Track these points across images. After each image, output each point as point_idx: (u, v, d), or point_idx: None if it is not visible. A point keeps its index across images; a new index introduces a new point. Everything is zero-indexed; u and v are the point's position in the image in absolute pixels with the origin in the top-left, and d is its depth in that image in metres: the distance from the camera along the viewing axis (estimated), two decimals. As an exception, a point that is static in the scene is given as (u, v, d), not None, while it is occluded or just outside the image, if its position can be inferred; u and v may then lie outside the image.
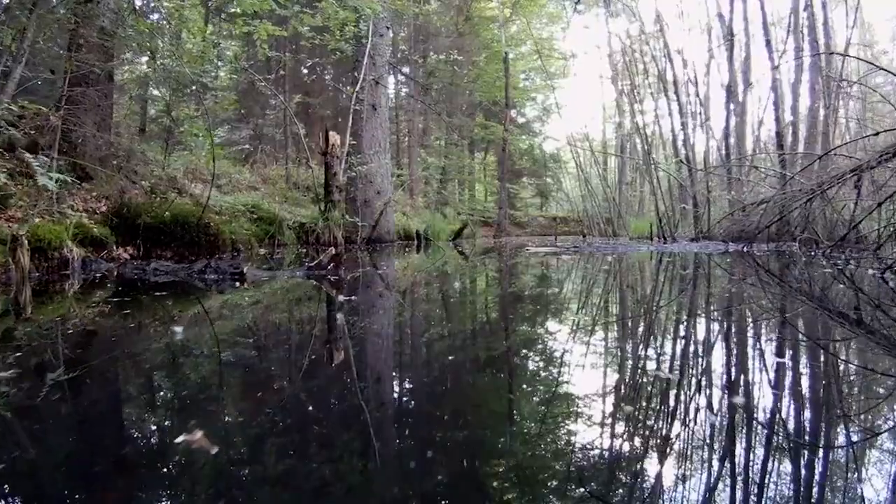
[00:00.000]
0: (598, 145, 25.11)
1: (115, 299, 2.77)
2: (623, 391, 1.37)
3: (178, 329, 2.06)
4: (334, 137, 8.05)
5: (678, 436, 1.07)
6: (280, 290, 3.24)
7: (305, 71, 16.61)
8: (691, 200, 14.19)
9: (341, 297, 2.83)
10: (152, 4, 8.87)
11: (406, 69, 19.30)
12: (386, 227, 10.14)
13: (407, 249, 8.99)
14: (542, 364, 1.60)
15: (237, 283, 3.38)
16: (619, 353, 1.75)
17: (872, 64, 7.21)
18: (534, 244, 10.90)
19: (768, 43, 10.68)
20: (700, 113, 16.33)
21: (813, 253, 5.90)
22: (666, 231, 10.52)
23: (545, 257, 6.53)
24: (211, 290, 3.19)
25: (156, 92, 11.69)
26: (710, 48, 16.21)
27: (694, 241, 10.08)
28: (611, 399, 1.30)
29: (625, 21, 17.36)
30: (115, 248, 4.94)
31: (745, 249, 6.98)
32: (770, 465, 0.95)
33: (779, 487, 0.87)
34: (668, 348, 1.85)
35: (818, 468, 0.95)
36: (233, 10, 10.22)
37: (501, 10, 18.47)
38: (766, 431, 1.09)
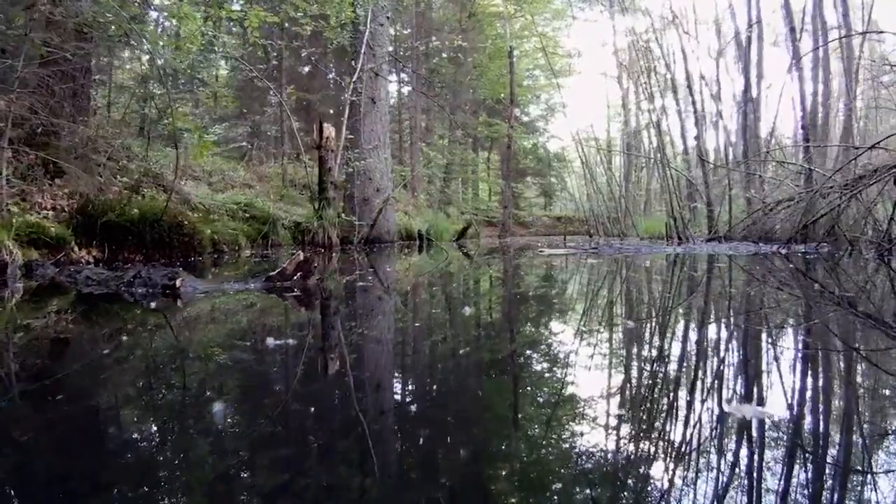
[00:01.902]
0: (602, 144, 24.54)
1: None
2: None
3: None
4: (328, 130, 7.44)
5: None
6: (207, 315, 2.32)
7: (306, 69, 16.01)
8: (704, 199, 13.56)
9: (271, 340, 1.73)
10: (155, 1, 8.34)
11: (408, 65, 18.70)
12: (385, 226, 9.52)
13: (407, 250, 8.37)
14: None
15: (154, 303, 2.46)
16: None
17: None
18: (543, 245, 10.27)
19: (792, 30, 10.06)
20: (715, 112, 15.75)
21: (867, 256, 5.27)
22: (680, 231, 9.87)
23: (565, 260, 5.90)
24: (125, 311, 2.38)
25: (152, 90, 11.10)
26: (721, 45, 15.63)
27: (713, 242, 9.44)
28: None
29: (631, 17, 16.76)
30: (75, 249, 4.33)
31: (780, 251, 6.34)
32: (785, 480, 0.82)
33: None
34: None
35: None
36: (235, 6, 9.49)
37: (506, 5, 17.87)
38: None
